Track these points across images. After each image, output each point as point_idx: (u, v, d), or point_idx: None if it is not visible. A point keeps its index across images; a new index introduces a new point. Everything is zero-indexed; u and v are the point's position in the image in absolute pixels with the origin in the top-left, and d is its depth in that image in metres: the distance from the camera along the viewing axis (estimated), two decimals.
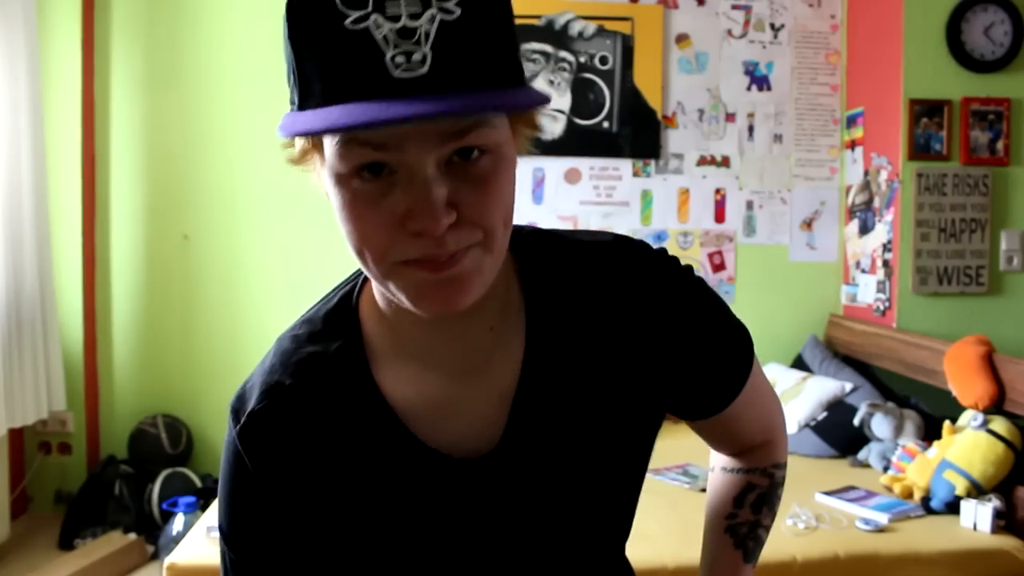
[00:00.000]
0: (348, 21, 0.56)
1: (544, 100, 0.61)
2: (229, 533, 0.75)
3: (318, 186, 0.66)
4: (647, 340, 0.76)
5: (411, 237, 0.60)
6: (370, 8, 0.56)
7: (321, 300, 0.79)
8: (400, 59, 0.56)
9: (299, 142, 0.64)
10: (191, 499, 2.85)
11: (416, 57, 0.56)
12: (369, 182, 0.60)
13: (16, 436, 3.16)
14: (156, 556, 2.89)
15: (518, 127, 0.67)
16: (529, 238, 0.77)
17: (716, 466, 0.97)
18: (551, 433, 0.74)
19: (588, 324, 0.75)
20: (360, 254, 0.63)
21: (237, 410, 0.74)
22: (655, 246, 0.79)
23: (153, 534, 2.98)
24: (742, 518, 0.92)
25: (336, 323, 0.75)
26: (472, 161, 0.61)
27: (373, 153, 0.59)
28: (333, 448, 0.72)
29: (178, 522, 2.80)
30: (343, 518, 0.73)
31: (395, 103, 0.55)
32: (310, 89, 0.59)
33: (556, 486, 0.75)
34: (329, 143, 0.60)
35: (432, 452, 0.72)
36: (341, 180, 0.61)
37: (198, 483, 3.16)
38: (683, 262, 0.80)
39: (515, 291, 0.75)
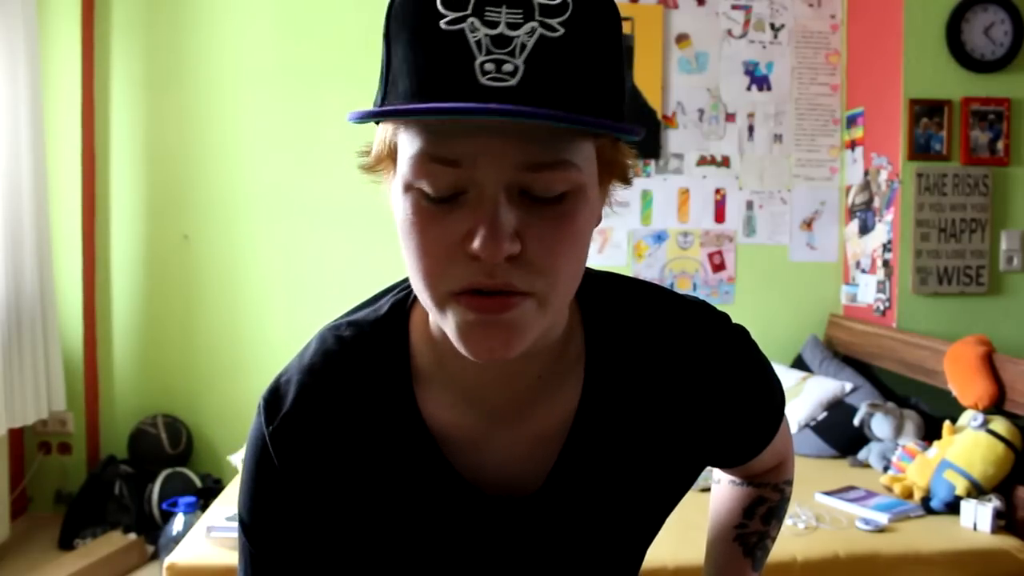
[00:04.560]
0: (444, 21, 0.54)
1: (632, 132, 0.57)
2: (249, 525, 0.73)
3: (385, 197, 0.64)
4: (700, 404, 0.75)
5: (467, 262, 0.57)
6: (469, 11, 0.54)
7: (371, 300, 0.77)
8: (489, 66, 0.54)
9: (375, 148, 0.62)
10: (191, 499, 2.85)
11: (507, 68, 0.54)
12: (437, 200, 0.57)
13: (16, 436, 3.16)
14: (156, 556, 2.89)
15: (606, 176, 0.63)
16: (598, 284, 0.75)
17: (723, 479, 0.97)
18: (593, 485, 0.73)
19: (644, 383, 0.73)
20: (416, 277, 0.60)
21: (271, 405, 0.71)
22: (717, 308, 0.78)
23: (153, 534, 2.98)
24: (752, 528, 0.93)
25: (384, 334, 0.72)
26: (551, 200, 0.57)
27: (444, 169, 0.56)
28: (366, 463, 0.70)
29: (178, 522, 2.79)
30: (366, 532, 0.72)
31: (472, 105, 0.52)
32: (395, 85, 0.57)
33: (588, 533, 0.74)
34: (403, 155, 0.58)
35: (466, 484, 0.70)
36: (409, 193, 0.58)
37: (198, 483, 3.15)
38: (734, 322, 0.78)
39: (577, 340, 0.72)
